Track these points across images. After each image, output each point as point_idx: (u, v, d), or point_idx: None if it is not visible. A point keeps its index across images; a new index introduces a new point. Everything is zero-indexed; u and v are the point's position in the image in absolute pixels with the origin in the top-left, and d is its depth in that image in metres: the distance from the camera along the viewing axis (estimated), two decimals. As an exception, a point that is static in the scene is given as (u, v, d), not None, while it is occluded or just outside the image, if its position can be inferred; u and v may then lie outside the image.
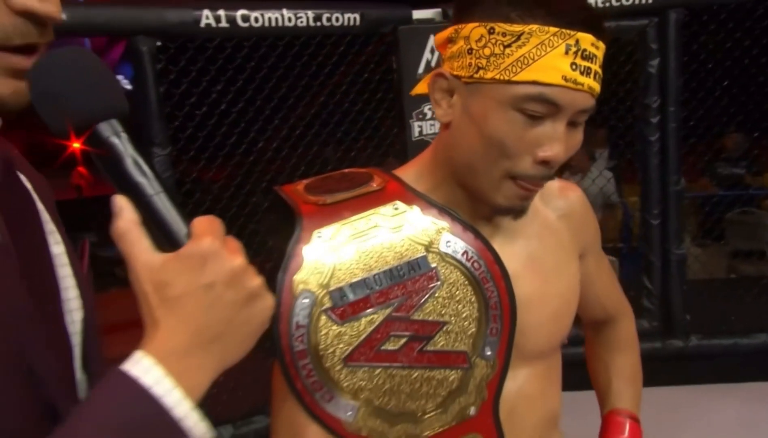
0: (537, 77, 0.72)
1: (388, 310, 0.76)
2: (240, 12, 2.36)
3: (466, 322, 0.78)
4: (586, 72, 0.72)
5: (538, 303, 0.85)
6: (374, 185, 0.81)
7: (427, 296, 0.76)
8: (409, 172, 0.87)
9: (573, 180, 4.79)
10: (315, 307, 0.74)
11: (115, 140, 0.55)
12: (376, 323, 0.76)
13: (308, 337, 0.73)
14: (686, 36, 2.75)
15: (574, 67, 0.71)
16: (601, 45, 0.75)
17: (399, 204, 0.80)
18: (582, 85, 0.73)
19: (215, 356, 0.54)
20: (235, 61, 2.49)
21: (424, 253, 0.77)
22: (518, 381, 0.86)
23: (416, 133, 2.69)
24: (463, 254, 0.78)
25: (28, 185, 0.63)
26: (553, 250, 0.89)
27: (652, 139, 2.77)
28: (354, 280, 0.76)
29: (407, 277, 0.77)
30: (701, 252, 4.24)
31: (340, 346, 0.75)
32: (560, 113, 0.73)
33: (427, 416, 0.78)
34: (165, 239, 0.55)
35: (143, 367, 0.51)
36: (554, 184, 0.94)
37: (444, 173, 0.83)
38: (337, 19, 2.55)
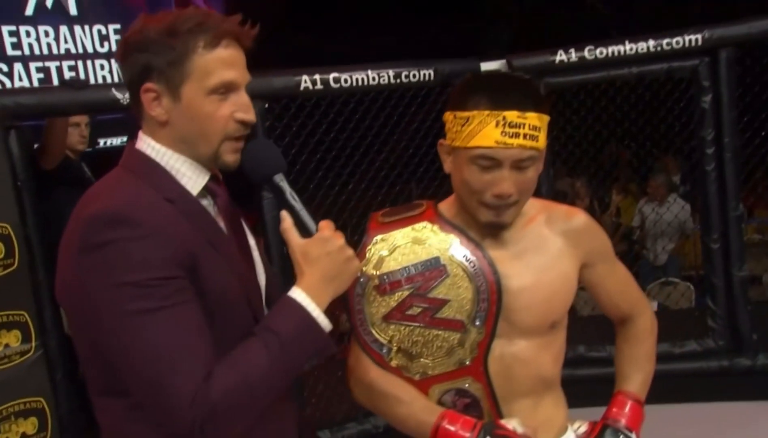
0: (479, 143, 1.12)
1: (412, 289, 1.20)
2: (332, 75, 2.79)
3: (463, 301, 1.18)
4: (515, 136, 1.11)
5: (527, 292, 1.21)
6: (417, 211, 1.26)
7: (438, 282, 1.18)
8: (446, 203, 1.30)
9: (651, 206, 4.96)
10: (368, 284, 1.20)
11: (282, 183, 1.07)
12: (404, 297, 1.20)
13: (363, 302, 1.20)
14: (740, 70, 2.94)
15: (503, 134, 1.10)
16: (530, 114, 1.12)
17: (426, 223, 1.23)
18: (511, 144, 1.11)
19: (331, 288, 1.05)
20: (329, 115, 2.96)
21: (438, 255, 1.19)
22: (514, 348, 1.22)
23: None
24: (463, 257, 1.18)
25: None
26: (546, 256, 1.24)
27: (708, 169, 2.96)
28: (393, 269, 1.21)
29: (426, 269, 1.20)
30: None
31: (381, 309, 1.20)
32: (501, 164, 1.12)
33: (435, 360, 1.18)
34: (305, 232, 1.05)
35: (300, 295, 1.03)
36: (561, 210, 1.30)
37: (460, 204, 1.24)
38: (414, 76, 2.96)
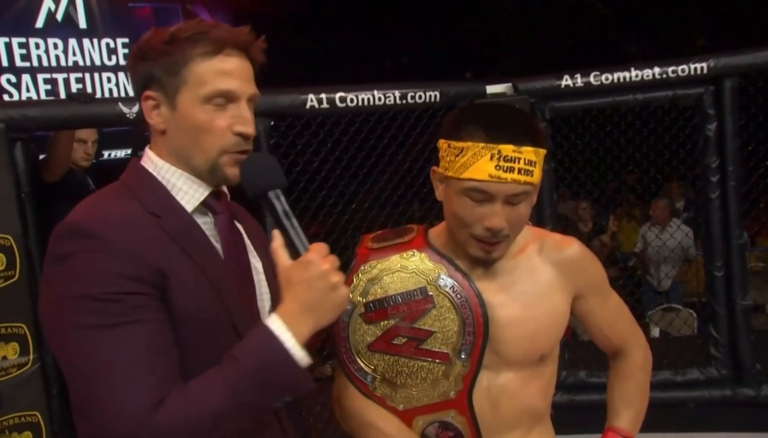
0: (472, 175, 1.09)
1: (398, 319, 1.18)
2: (338, 94, 2.80)
3: (449, 333, 1.17)
4: (509, 170, 1.08)
5: (515, 324, 1.19)
6: (406, 238, 1.23)
7: (424, 313, 1.17)
8: (436, 229, 1.27)
9: (653, 232, 4.94)
10: (354, 311, 1.18)
11: (275, 201, 1.00)
12: (390, 326, 1.18)
13: (348, 329, 1.18)
14: (744, 100, 2.95)
15: (498, 167, 1.08)
16: (525, 148, 1.09)
17: (415, 252, 1.21)
18: (505, 179, 1.09)
19: (312, 319, 0.96)
20: (334, 134, 2.96)
21: (425, 285, 1.18)
22: (502, 380, 1.20)
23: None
24: (450, 288, 1.17)
25: (241, 228, 1.13)
26: (535, 287, 1.22)
27: (712, 197, 2.96)
28: (379, 297, 1.19)
29: (412, 299, 1.18)
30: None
31: (366, 337, 1.18)
32: (494, 198, 1.10)
33: (420, 392, 1.17)
34: (295, 254, 0.98)
35: (275, 323, 0.95)
36: (554, 239, 1.28)
37: (450, 232, 1.22)
38: (420, 97, 2.96)
